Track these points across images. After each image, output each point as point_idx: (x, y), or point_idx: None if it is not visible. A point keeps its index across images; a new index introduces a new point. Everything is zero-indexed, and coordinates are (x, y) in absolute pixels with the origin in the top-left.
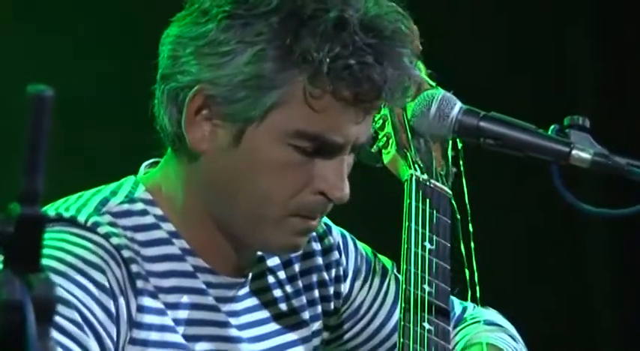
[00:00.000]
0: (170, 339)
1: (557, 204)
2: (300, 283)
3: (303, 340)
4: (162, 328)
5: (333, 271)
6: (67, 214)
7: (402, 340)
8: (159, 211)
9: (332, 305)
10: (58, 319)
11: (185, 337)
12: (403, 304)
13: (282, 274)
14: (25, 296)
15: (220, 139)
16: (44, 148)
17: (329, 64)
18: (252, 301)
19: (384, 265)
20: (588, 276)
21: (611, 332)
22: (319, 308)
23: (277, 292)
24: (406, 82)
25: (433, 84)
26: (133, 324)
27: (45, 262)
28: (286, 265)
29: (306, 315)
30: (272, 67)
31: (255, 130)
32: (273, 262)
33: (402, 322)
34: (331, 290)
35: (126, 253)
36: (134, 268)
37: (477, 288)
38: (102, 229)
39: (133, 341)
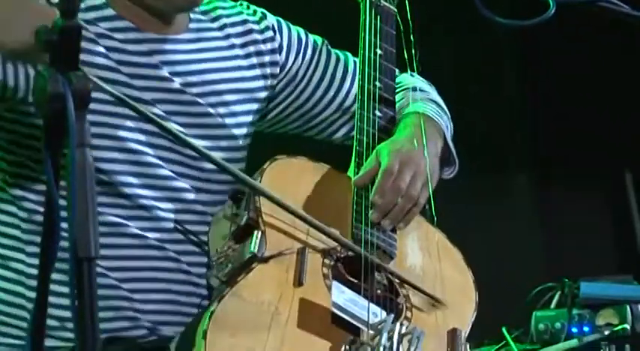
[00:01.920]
0: (115, 77)
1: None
2: (238, 51)
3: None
4: (110, 69)
5: (269, 45)
6: None
7: (358, 124)
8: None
9: (268, 70)
10: None
11: (128, 75)
12: (359, 96)
13: (218, 36)
14: (67, 89)
15: None
16: None
17: None
18: (186, 56)
19: (314, 41)
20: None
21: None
22: (258, 71)
23: (215, 51)
24: None
25: None
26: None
27: None
28: (225, 37)
29: (245, 74)
30: None
31: None
32: (211, 33)
33: (359, 110)
34: (267, 58)
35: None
36: (89, 34)
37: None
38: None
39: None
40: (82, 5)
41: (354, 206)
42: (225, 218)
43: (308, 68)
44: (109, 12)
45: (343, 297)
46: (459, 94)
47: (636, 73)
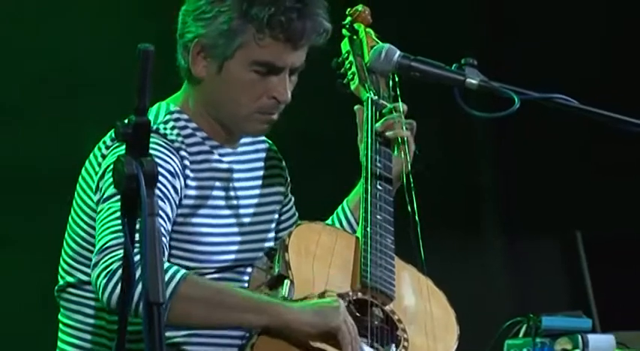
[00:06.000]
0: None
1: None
2: (267, 170)
3: (277, 194)
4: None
5: (284, 175)
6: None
7: (364, 195)
8: (186, 116)
9: (283, 189)
10: (161, 189)
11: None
12: (364, 173)
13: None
14: (139, 171)
15: (211, 70)
16: (149, 80)
17: (268, 20)
18: (246, 164)
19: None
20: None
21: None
22: (281, 188)
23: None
24: (319, 30)
25: (379, 41)
26: (183, 196)
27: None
28: (259, 159)
29: (276, 187)
30: (236, 24)
31: (230, 62)
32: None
33: (364, 185)
34: (283, 180)
35: (175, 145)
36: (181, 152)
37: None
38: (162, 132)
39: (182, 206)
40: (183, 133)
41: (362, 260)
42: (261, 270)
43: (291, 206)
44: (199, 137)
45: None
46: (443, 170)
47: (585, 154)
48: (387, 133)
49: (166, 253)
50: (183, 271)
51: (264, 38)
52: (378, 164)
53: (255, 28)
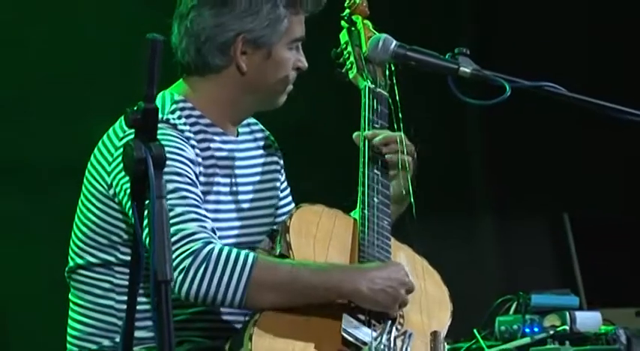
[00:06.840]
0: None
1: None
2: (265, 158)
3: (275, 180)
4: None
5: (280, 162)
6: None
7: (361, 178)
8: (190, 104)
9: (279, 176)
10: (189, 175)
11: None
12: (362, 159)
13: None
14: (147, 155)
15: (256, 60)
16: (157, 69)
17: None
18: (245, 152)
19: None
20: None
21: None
22: (277, 175)
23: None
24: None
25: (376, 32)
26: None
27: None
28: (258, 147)
29: (274, 173)
30: (280, 10)
31: (277, 46)
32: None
33: (362, 169)
34: (279, 168)
35: (185, 134)
36: (191, 141)
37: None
38: (172, 122)
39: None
40: (189, 121)
41: (359, 241)
42: (263, 251)
43: (287, 194)
44: (203, 125)
45: (351, 325)
46: (435, 154)
47: (573, 139)
48: (388, 157)
49: (217, 234)
50: (252, 254)
51: (297, 15)
52: (376, 149)
53: (293, 8)
